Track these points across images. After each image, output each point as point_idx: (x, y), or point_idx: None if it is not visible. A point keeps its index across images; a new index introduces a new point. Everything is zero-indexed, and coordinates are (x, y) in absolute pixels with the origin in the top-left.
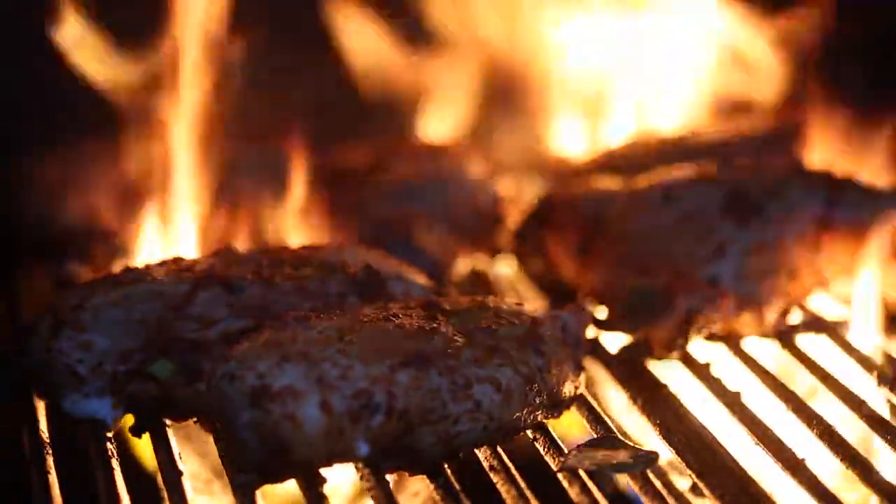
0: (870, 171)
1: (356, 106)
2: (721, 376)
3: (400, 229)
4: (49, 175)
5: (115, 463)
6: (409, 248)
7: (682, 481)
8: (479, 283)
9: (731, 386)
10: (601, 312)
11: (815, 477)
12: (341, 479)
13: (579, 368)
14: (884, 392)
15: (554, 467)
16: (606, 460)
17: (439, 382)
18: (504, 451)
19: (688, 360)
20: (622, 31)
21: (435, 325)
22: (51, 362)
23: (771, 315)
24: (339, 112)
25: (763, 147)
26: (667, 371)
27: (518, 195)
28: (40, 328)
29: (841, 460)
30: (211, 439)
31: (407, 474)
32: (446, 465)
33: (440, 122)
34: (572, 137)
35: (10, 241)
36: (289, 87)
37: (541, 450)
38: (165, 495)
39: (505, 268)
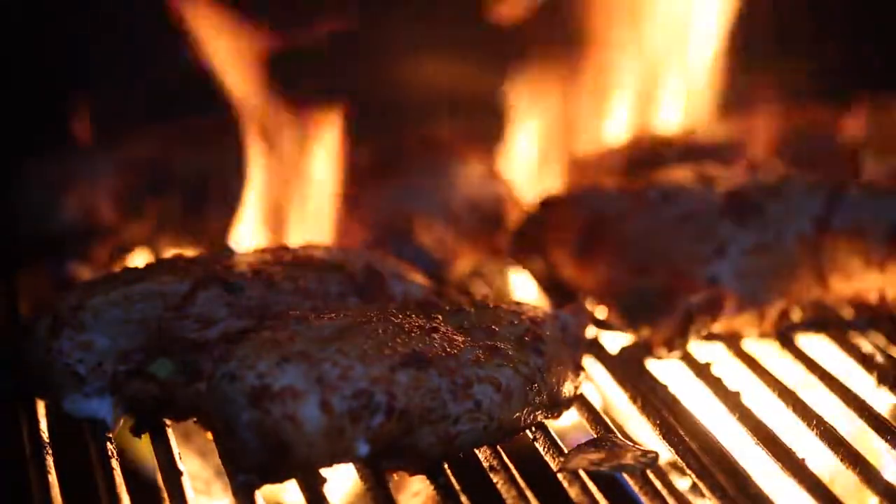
0: None
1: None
2: (721, 376)
3: (400, 229)
4: (49, 175)
5: (115, 463)
6: (409, 248)
7: (682, 481)
8: (479, 283)
9: (731, 386)
10: (601, 312)
11: (815, 477)
12: (341, 479)
13: (579, 368)
14: (884, 392)
15: (554, 467)
16: (606, 460)
17: (439, 382)
18: (504, 451)
19: (688, 360)
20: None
21: (435, 325)
22: (51, 362)
23: (771, 315)
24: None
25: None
26: (667, 371)
27: (518, 195)
28: (40, 328)
29: (841, 460)
30: (211, 439)
31: (407, 474)
32: (446, 465)
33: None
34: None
35: (10, 241)
36: None
37: (541, 450)
38: (165, 495)
39: (505, 268)
